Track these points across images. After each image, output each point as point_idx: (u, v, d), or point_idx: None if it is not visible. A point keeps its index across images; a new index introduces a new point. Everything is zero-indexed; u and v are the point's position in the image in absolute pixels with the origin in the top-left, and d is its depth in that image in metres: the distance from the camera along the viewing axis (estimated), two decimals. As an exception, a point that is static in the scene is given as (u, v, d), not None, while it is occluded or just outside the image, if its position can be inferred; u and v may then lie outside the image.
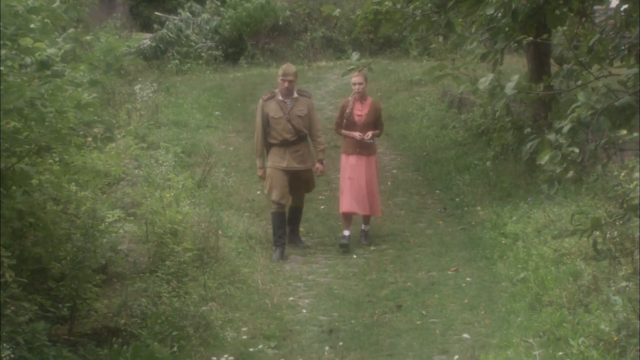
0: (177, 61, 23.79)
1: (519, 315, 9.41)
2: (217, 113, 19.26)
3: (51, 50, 9.15)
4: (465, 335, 9.12)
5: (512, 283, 10.40)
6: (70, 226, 8.86)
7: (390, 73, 22.95)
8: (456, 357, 8.39)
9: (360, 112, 12.26)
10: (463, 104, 18.53)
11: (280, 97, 11.92)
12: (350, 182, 12.23)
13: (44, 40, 8.43)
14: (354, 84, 12.22)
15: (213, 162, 14.66)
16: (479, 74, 6.60)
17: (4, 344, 7.35)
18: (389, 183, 15.43)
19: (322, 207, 14.19)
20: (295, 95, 11.97)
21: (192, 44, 24.95)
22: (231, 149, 16.67)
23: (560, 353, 7.92)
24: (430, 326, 9.71)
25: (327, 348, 9.03)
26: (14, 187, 8.26)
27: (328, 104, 21.19)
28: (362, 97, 12.30)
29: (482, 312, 9.99)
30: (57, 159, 8.81)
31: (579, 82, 5.16)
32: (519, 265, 10.65)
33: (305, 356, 8.83)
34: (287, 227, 12.20)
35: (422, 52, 25.94)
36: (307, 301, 10.62)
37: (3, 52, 7.94)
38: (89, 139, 9.42)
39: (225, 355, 8.54)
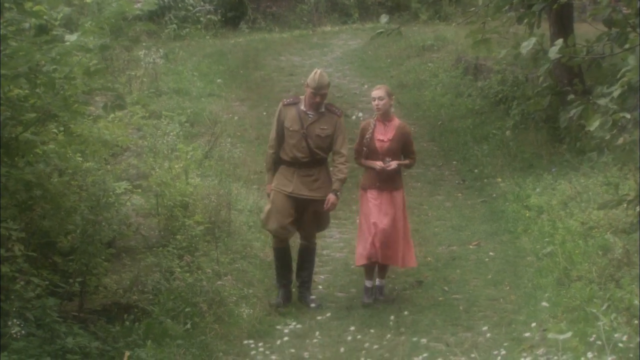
0: (174, 26, 23.75)
1: (547, 291, 9.55)
2: (219, 81, 19.28)
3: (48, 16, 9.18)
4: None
5: (538, 258, 10.52)
6: (77, 198, 8.95)
7: (400, 38, 22.88)
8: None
9: (383, 136, 10.09)
10: (479, 71, 18.57)
11: (303, 107, 9.95)
12: (366, 224, 10.09)
13: (47, 3, 8.50)
14: (374, 98, 10.17)
15: (218, 132, 14.71)
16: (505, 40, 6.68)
17: (14, 320, 7.47)
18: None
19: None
20: (323, 109, 9.96)
21: (190, 7, 24.89)
22: (236, 118, 16.73)
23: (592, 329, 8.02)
24: (453, 302, 9.86)
25: (345, 325, 9.16)
26: (16, 158, 8.35)
27: (335, 70, 21.23)
28: (385, 117, 10.13)
29: (507, 287, 10.13)
30: (61, 128, 8.89)
31: (627, 46, 5.23)
32: (546, 239, 10.76)
33: (323, 333, 8.94)
34: (298, 272, 10.22)
35: (433, 16, 25.96)
36: (322, 277, 10.76)
37: (7, 15, 8.00)
38: (91, 107, 9.53)
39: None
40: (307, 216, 10.04)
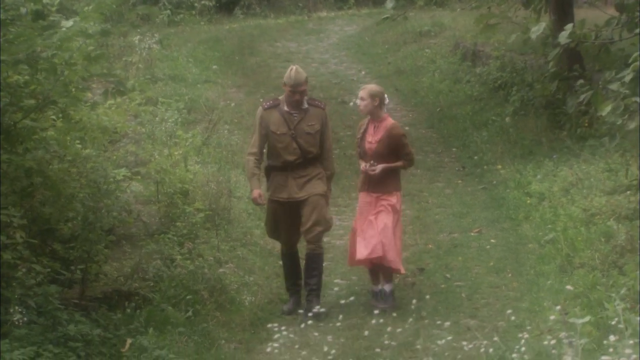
0: (168, 11, 23.77)
1: (549, 278, 9.59)
2: (214, 67, 19.34)
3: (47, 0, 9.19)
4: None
5: (540, 245, 10.58)
6: (78, 185, 8.98)
7: (397, 24, 22.87)
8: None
9: (372, 138, 9.64)
10: (477, 57, 18.63)
11: (285, 108, 9.51)
12: (359, 224, 9.68)
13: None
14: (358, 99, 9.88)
15: (216, 119, 14.74)
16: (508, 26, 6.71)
17: (16, 307, 7.51)
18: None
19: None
20: (305, 105, 9.55)
21: (184, -8, 24.90)
22: (232, 104, 16.77)
23: (596, 317, 8.08)
24: (456, 290, 9.90)
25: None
26: (16, 144, 8.38)
27: (331, 57, 21.31)
28: (375, 117, 9.65)
29: (509, 275, 10.18)
30: (60, 114, 8.91)
31: (637, 31, 5.28)
32: (547, 226, 10.82)
33: (325, 321, 8.99)
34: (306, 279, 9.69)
35: (429, 2, 25.97)
36: (323, 264, 10.77)
37: (7, 0, 8.02)
38: (89, 94, 9.55)
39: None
40: (310, 216, 9.49)
